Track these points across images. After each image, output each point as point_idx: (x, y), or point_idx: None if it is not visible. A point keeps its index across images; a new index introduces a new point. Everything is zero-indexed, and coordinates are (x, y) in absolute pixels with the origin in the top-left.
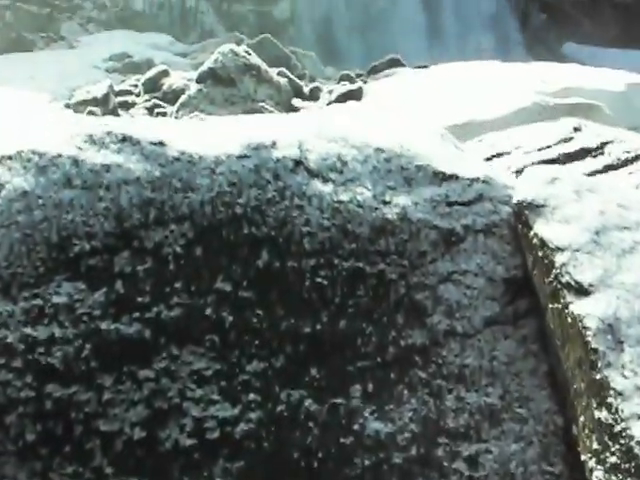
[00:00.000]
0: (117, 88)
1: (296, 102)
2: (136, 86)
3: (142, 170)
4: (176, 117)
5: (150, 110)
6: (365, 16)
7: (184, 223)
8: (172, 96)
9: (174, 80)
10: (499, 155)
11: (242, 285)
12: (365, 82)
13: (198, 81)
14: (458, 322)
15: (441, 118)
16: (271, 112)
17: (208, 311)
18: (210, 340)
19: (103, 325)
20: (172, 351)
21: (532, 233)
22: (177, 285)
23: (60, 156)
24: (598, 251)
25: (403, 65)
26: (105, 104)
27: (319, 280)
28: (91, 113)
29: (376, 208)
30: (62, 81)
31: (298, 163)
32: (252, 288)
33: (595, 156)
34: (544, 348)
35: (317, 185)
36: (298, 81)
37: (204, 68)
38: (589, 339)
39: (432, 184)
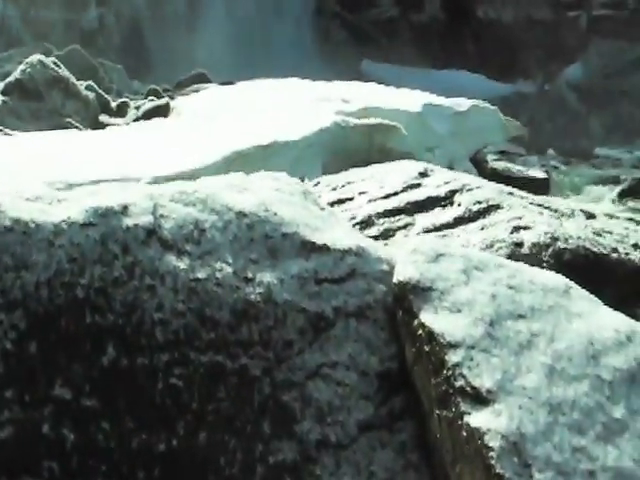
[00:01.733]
0: None
1: (103, 118)
2: None
3: None
4: None
5: None
6: (174, 28)
7: (15, 311)
8: None
9: None
10: (341, 202)
11: (84, 391)
12: (172, 98)
13: (4, 93)
14: (331, 429)
15: (247, 138)
16: (77, 128)
17: (45, 428)
18: (48, 469)
19: None
20: None
21: (417, 322)
22: (8, 394)
23: None
24: (494, 347)
25: (209, 80)
26: None
27: (174, 381)
28: None
29: (237, 287)
30: None
31: (151, 233)
32: (96, 394)
33: (444, 206)
34: (425, 459)
35: (171, 260)
36: (106, 96)
37: (11, 79)
38: (492, 462)
39: (299, 256)
